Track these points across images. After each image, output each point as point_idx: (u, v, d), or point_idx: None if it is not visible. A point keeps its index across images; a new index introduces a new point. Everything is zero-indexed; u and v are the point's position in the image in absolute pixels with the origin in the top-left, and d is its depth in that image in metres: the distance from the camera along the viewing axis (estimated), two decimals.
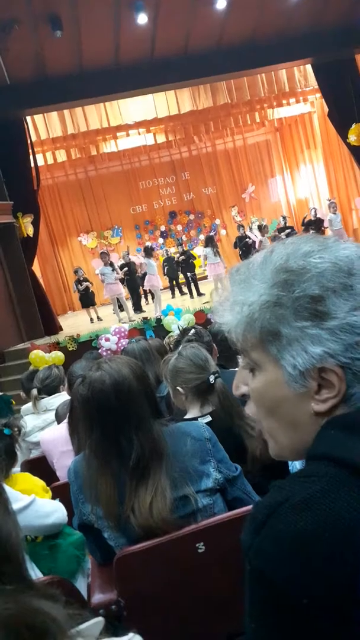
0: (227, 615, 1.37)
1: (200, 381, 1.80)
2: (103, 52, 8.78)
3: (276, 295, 0.61)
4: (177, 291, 12.14)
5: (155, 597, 1.36)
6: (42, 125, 10.66)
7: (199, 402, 1.85)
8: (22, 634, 0.41)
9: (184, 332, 2.45)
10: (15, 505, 1.66)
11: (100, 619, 0.55)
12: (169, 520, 1.32)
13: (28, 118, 9.90)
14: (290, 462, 1.71)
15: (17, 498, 1.70)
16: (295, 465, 1.67)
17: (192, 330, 2.42)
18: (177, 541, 1.35)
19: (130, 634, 0.54)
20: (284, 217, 12.66)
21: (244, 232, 11.77)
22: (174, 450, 1.40)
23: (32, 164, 9.73)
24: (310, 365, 0.59)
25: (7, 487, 1.71)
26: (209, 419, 1.82)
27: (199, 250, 11.87)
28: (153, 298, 10.76)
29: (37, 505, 1.74)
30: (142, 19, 8.29)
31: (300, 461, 1.61)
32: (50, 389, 3.41)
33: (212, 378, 1.79)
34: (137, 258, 11.81)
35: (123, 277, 10.45)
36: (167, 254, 12.35)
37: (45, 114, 10.49)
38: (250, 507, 1.48)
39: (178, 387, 1.87)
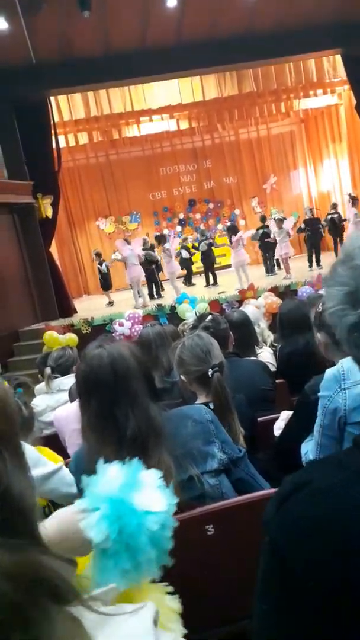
0: (234, 598, 1.38)
1: (200, 373, 1.83)
2: (130, 34, 8.70)
3: None
4: (193, 279, 12.12)
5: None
6: (66, 107, 10.63)
7: (203, 390, 1.87)
8: (29, 587, 0.40)
9: (201, 318, 2.45)
10: (44, 469, 1.69)
11: (114, 585, 0.56)
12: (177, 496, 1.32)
13: (52, 99, 9.89)
14: (303, 452, 1.71)
15: (45, 462, 1.73)
16: (308, 456, 1.67)
17: (210, 317, 2.41)
18: (187, 522, 1.35)
19: (147, 604, 0.53)
20: (311, 210, 12.39)
21: (266, 226, 11.56)
22: (175, 432, 1.41)
23: (54, 145, 9.73)
24: None
25: (35, 451, 1.73)
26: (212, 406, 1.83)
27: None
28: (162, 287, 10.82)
29: (64, 472, 1.75)
30: (172, 1, 8.18)
31: (312, 450, 1.61)
32: (63, 369, 3.43)
33: (210, 372, 1.80)
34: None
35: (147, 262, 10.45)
36: (185, 242, 12.30)
37: (69, 95, 10.46)
38: (259, 492, 1.49)
39: (181, 376, 1.93)
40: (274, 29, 9.11)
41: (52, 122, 9.68)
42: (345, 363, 1.48)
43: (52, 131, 9.68)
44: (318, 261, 11.19)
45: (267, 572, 0.56)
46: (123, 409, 1.36)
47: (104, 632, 0.48)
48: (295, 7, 8.73)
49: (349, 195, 11.75)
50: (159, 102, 11.29)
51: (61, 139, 10.84)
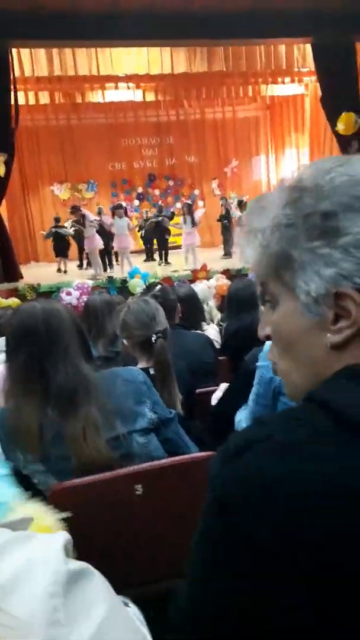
0: (163, 558, 1.40)
1: (143, 338, 1.82)
2: None
3: (286, 215, 0.57)
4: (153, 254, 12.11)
5: (90, 537, 1.36)
6: (28, 62, 10.12)
7: (145, 355, 1.86)
8: None
9: (150, 286, 2.45)
10: None
11: (30, 516, 0.54)
12: (104, 452, 1.32)
13: (14, 52, 9.39)
14: (236, 420, 1.75)
15: None
16: (241, 424, 1.71)
17: (159, 287, 2.40)
18: (115, 480, 1.35)
19: (58, 532, 0.52)
20: None
21: (226, 207, 11.65)
22: (106, 391, 1.40)
23: (13, 101, 9.28)
24: (324, 290, 0.55)
25: None
26: (153, 371, 1.83)
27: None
28: (117, 259, 10.72)
29: None
30: None
31: (245, 419, 1.65)
32: (3, 329, 3.33)
33: (154, 337, 1.79)
34: (107, 218, 11.59)
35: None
36: (146, 216, 12.19)
37: (32, 50, 9.95)
38: (190, 454, 1.51)
39: (124, 340, 1.92)
40: (248, 9, 9.01)
41: (12, 76, 9.21)
42: None
43: (12, 86, 9.21)
44: None
45: (209, 535, 0.51)
46: (52, 362, 1.33)
47: (12, 556, 0.47)
48: None
49: None
50: (127, 70, 10.95)
51: (20, 95, 10.33)
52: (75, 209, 10.15)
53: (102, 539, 1.35)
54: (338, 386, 0.53)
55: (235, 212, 10.98)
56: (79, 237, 10.85)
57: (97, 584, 0.50)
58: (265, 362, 1.54)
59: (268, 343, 1.65)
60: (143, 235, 11.92)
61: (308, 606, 0.45)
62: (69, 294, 8.03)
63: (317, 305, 0.55)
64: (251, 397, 1.60)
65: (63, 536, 0.51)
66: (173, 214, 11.77)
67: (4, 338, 3.26)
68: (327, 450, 0.48)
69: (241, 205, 11.20)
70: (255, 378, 1.56)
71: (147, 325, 1.82)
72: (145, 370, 1.76)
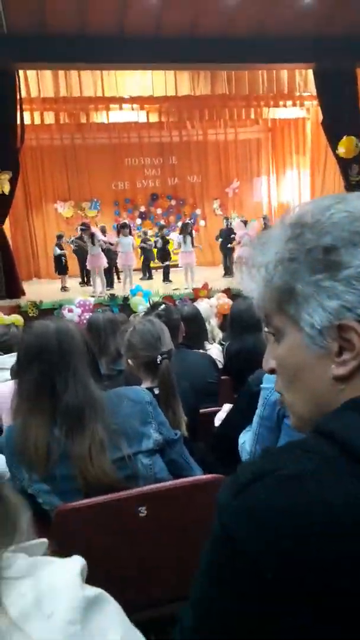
0: (166, 581, 1.39)
1: (149, 359, 1.83)
2: (108, 17, 8.56)
3: (289, 250, 0.59)
4: (150, 273, 12.19)
5: (93, 558, 1.35)
6: (34, 83, 10.34)
7: (149, 376, 1.87)
8: None
9: (154, 306, 2.45)
10: None
11: (44, 540, 0.55)
12: (109, 472, 1.31)
13: (21, 72, 9.59)
14: (240, 442, 1.74)
15: None
16: (245, 446, 1.70)
17: (162, 306, 2.42)
18: (119, 502, 1.34)
19: (74, 557, 0.53)
20: (265, 217, 12.76)
21: (228, 225, 11.80)
22: (112, 411, 1.40)
23: (19, 121, 9.44)
24: (328, 323, 0.56)
25: None
26: (158, 391, 1.83)
27: (174, 236, 11.88)
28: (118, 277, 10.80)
29: None
30: None
31: (249, 440, 1.65)
32: (6, 347, 3.33)
33: (159, 359, 1.80)
34: (110, 236, 11.69)
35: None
36: (146, 235, 12.30)
37: (38, 72, 10.18)
38: (194, 477, 1.51)
39: (129, 360, 1.92)
40: (251, 35, 9.23)
41: (18, 96, 9.38)
42: None
43: (18, 106, 9.39)
44: None
45: (217, 566, 0.52)
46: (63, 381, 1.34)
47: (34, 581, 0.47)
48: (274, 16, 8.88)
49: None
50: (131, 92, 11.18)
51: (26, 115, 10.52)
52: (85, 227, 10.24)
53: (105, 561, 1.34)
54: (344, 418, 0.54)
55: (240, 231, 11.10)
56: (82, 254, 10.93)
57: (112, 610, 0.51)
58: (270, 384, 1.54)
59: None
60: (142, 253, 12.01)
61: (314, 626, 0.46)
62: (70, 311, 8.06)
63: (321, 337, 0.57)
64: (255, 419, 1.60)
65: (80, 562, 0.51)
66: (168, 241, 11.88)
67: (7, 356, 3.27)
68: (333, 480, 0.49)
69: (245, 224, 11.33)
70: (260, 400, 1.57)
71: (153, 346, 1.82)
72: (150, 390, 1.76)
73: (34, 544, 0.54)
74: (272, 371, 0.66)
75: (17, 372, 1.41)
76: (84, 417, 1.33)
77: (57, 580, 0.48)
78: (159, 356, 1.79)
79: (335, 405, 0.57)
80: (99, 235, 10.19)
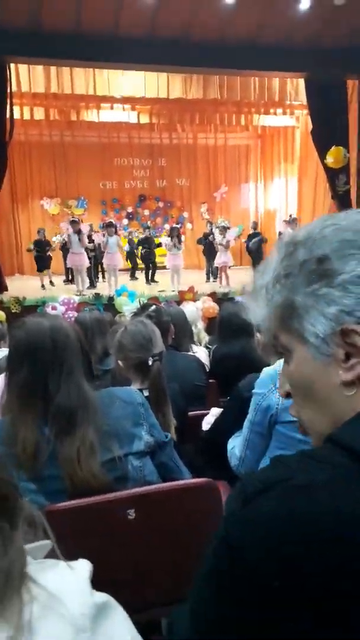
0: (154, 584, 1.37)
1: (139, 360, 1.81)
2: (103, 16, 8.52)
3: (284, 267, 0.61)
4: (136, 273, 12.17)
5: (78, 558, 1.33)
6: (26, 77, 10.22)
7: (139, 377, 1.85)
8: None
9: (144, 307, 2.43)
10: None
11: (47, 542, 0.53)
12: (98, 475, 1.29)
13: (12, 66, 9.48)
14: (229, 447, 1.73)
15: None
16: (234, 451, 1.70)
17: (153, 307, 2.40)
18: (107, 504, 1.32)
19: (81, 560, 0.51)
20: (255, 223, 12.86)
21: (211, 229, 11.87)
22: (104, 412, 1.38)
23: (8, 115, 9.33)
24: (331, 329, 0.57)
25: None
26: (148, 393, 1.82)
27: (162, 239, 11.88)
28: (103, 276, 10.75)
29: None
30: None
31: (239, 446, 1.64)
32: None
33: (150, 361, 1.78)
34: (97, 236, 11.62)
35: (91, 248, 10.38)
36: (132, 236, 12.27)
37: (30, 67, 10.06)
38: (183, 480, 1.49)
39: (119, 361, 1.89)
40: (245, 42, 9.28)
41: (9, 90, 9.28)
42: (283, 363, 1.52)
43: (8, 100, 9.28)
44: None
45: (217, 572, 0.52)
46: (55, 380, 1.31)
47: (42, 585, 0.45)
48: (269, 24, 8.94)
49: (290, 216, 12.32)
50: (123, 92, 11.13)
51: (16, 110, 10.39)
52: (75, 223, 10.15)
53: (94, 563, 1.32)
54: (357, 427, 0.55)
55: (219, 236, 11.14)
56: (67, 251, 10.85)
57: (120, 617, 0.50)
58: (262, 390, 1.54)
59: (265, 370, 1.65)
60: (127, 255, 11.98)
61: (315, 630, 0.46)
62: (54, 308, 7.98)
63: (326, 345, 0.58)
64: (246, 424, 1.59)
65: (87, 565, 0.50)
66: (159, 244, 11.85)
67: None
68: (344, 489, 0.49)
69: (222, 230, 11.35)
70: (251, 405, 1.56)
71: (144, 348, 1.80)
72: (140, 391, 1.75)
73: (36, 546, 0.53)
74: (287, 395, 0.67)
75: (7, 368, 1.38)
76: (75, 419, 1.31)
77: (66, 585, 0.46)
78: (150, 358, 1.78)
79: (348, 411, 0.57)
80: (84, 235, 10.13)
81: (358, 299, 0.56)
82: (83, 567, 0.50)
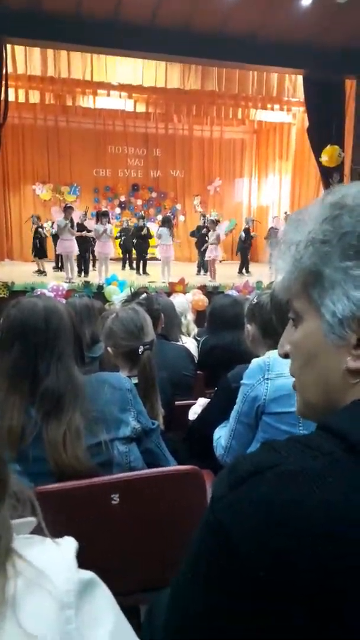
0: (135, 569, 1.37)
1: (130, 348, 1.79)
2: (104, 1, 8.40)
3: (323, 231, 0.56)
4: (127, 264, 12.10)
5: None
6: (22, 59, 10.07)
7: (128, 364, 1.84)
8: None
9: (135, 294, 2.42)
10: None
11: (33, 519, 0.52)
12: (82, 459, 1.29)
13: (8, 47, 9.32)
14: (215, 437, 1.74)
15: None
16: (220, 441, 1.70)
17: (144, 295, 2.39)
18: (92, 488, 1.32)
19: (67, 537, 0.51)
20: (252, 220, 12.95)
21: (204, 222, 11.85)
22: (92, 397, 1.37)
23: (2, 97, 9.18)
24: (350, 313, 0.54)
25: None
26: (136, 380, 1.81)
27: (154, 227, 11.82)
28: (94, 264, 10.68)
29: None
30: None
31: (225, 436, 1.64)
32: None
33: (141, 349, 1.77)
34: (89, 223, 11.53)
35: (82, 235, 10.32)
36: (127, 224, 12.18)
37: (27, 48, 9.91)
38: (169, 467, 1.49)
39: (108, 348, 1.87)
40: (246, 35, 9.22)
41: (4, 71, 9.12)
42: (272, 355, 1.52)
43: (3, 81, 9.13)
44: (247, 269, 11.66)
45: (204, 557, 0.51)
46: (46, 362, 1.30)
47: (27, 561, 0.45)
48: (271, 20, 8.88)
49: (285, 213, 12.34)
50: (120, 79, 11.02)
51: (10, 92, 10.24)
52: (69, 209, 10.06)
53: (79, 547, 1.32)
54: (353, 416, 0.53)
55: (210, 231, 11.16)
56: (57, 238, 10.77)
57: (104, 595, 0.49)
58: (250, 380, 1.54)
59: (254, 361, 1.64)
60: (122, 243, 11.92)
61: (308, 626, 0.45)
62: (42, 295, 7.92)
63: (341, 327, 0.55)
64: (233, 414, 1.60)
65: (73, 543, 0.49)
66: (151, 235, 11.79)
67: None
68: (337, 480, 0.47)
69: (213, 223, 11.34)
70: (239, 395, 1.56)
71: (135, 336, 1.79)
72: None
73: (22, 522, 0.52)
74: (286, 355, 0.65)
75: None
76: (63, 403, 1.30)
77: (52, 561, 0.46)
78: (141, 346, 1.76)
79: (345, 398, 0.56)
80: (75, 223, 10.07)
81: None
82: (69, 544, 0.49)
